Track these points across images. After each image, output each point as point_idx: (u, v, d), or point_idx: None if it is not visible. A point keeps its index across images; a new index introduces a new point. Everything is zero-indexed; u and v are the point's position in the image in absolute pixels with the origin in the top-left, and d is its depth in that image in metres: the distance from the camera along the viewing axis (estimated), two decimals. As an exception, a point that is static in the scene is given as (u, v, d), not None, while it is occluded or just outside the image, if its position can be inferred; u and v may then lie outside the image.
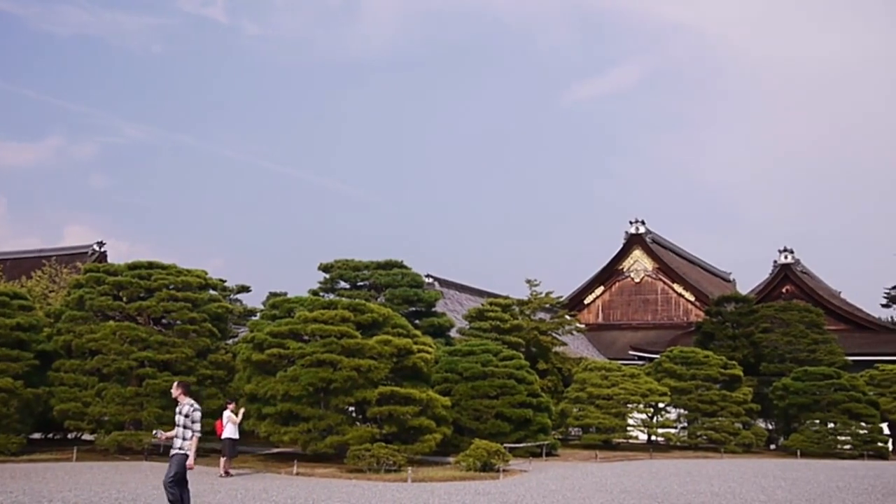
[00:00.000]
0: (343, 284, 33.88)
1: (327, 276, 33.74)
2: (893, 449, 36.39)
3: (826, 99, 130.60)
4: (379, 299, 31.81)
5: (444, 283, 43.55)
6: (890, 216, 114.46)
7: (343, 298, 26.71)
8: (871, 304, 70.79)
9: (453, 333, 34.21)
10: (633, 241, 56.53)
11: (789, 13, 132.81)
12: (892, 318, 68.14)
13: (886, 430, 35.73)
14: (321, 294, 31.77)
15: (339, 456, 21.84)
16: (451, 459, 23.27)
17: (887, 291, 69.96)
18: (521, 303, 37.81)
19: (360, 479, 19.39)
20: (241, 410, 20.80)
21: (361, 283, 33.74)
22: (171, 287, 24.87)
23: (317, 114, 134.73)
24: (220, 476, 18.88)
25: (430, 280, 40.86)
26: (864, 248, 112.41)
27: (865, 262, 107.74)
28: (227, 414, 19.93)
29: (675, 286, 55.07)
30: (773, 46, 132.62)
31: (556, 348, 38.10)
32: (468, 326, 34.78)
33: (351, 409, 23.55)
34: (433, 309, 33.57)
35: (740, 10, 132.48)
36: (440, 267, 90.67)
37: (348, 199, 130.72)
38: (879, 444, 33.93)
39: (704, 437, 33.83)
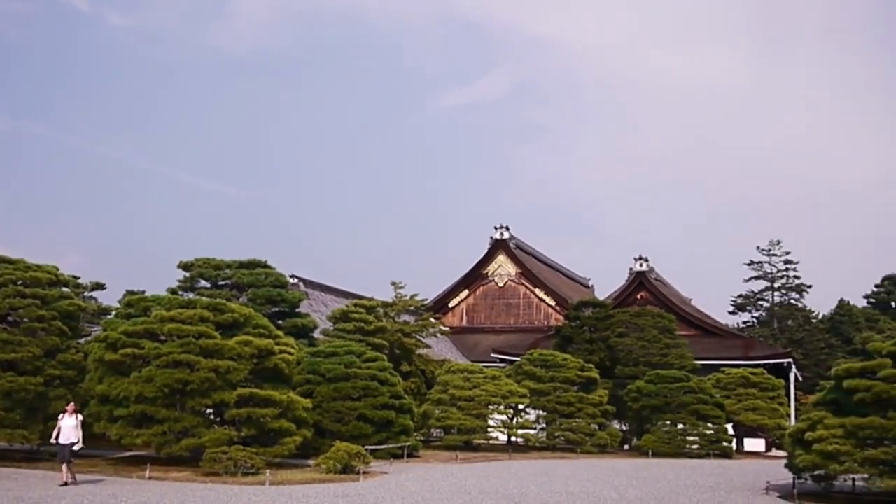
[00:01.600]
0: (204, 283, 33.01)
1: (187, 274, 32.79)
2: (737, 448, 38.31)
3: (681, 114, 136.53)
4: (241, 299, 31.13)
5: (309, 284, 43.07)
6: (739, 228, 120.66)
7: (203, 298, 26.01)
8: (719, 311, 74.26)
9: (317, 335, 33.84)
10: (497, 247, 57.39)
11: (650, 32, 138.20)
12: (737, 324, 71.94)
13: (731, 431, 37.53)
14: (180, 293, 30.77)
15: (195, 459, 21.21)
16: (312, 462, 23.01)
17: (734, 300, 73.86)
18: (385, 305, 37.76)
19: (217, 482, 18.91)
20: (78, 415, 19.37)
21: (223, 283, 32.97)
22: (19, 283, 23.62)
23: (182, 108, 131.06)
24: (62, 485, 17.62)
25: (295, 280, 40.30)
26: (715, 257, 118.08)
27: (715, 271, 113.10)
28: (65, 416, 18.83)
29: (537, 291, 56.23)
30: (634, 63, 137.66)
31: (420, 350, 38.25)
32: (332, 328, 34.49)
33: (208, 411, 22.93)
34: (297, 310, 33.13)
35: (605, 27, 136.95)
36: (305, 267, 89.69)
37: (212, 196, 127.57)
38: (724, 443, 35.64)
39: (562, 438, 34.65)
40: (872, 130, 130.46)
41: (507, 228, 57.29)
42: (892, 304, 79.82)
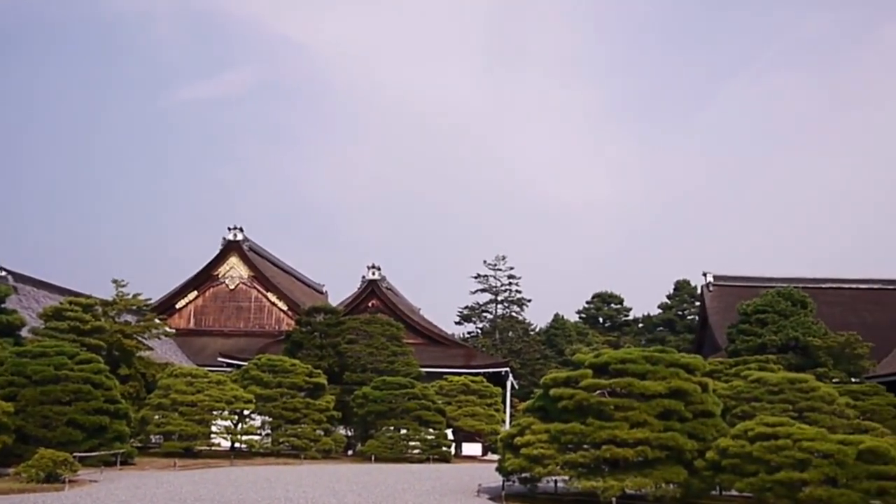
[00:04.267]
0: None
1: None
2: (456, 452, 39.87)
3: (419, 126, 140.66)
4: (-63, 292, 28.26)
5: (20, 278, 39.77)
6: (469, 243, 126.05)
7: None
8: (446, 321, 77.13)
9: (25, 333, 31.37)
10: (230, 248, 56.09)
11: (395, 46, 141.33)
12: (463, 334, 75.03)
13: (451, 436, 39.00)
14: None
15: None
16: (11, 471, 21.27)
17: (460, 311, 76.98)
18: (105, 303, 35.59)
19: None
20: None
21: (-85, 273, 29.81)
22: None
23: None
24: None
25: (3, 273, 37.16)
26: (445, 270, 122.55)
27: (445, 282, 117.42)
28: None
29: (270, 295, 55.56)
30: (378, 74, 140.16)
31: (142, 353, 36.46)
32: (43, 326, 32.09)
33: None
34: (3, 305, 30.54)
35: (352, 35, 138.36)
36: (16, 260, 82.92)
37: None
38: (444, 448, 36.96)
39: (287, 444, 34.39)
40: (590, 155, 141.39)
41: (242, 230, 56.20)
42: (601, 319, 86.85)
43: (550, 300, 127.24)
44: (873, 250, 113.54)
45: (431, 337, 51.79)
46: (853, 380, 34.51)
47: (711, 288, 50.80)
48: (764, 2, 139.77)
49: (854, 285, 49.80)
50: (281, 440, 34.45)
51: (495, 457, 31.63)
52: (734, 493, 19.47)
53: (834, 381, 32.63)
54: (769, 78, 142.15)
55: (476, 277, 75.05)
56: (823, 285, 48.80)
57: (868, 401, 27.01)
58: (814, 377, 25.32)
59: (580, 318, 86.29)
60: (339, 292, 63.80)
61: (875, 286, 49.74)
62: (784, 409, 22.32)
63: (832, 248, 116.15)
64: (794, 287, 40.87)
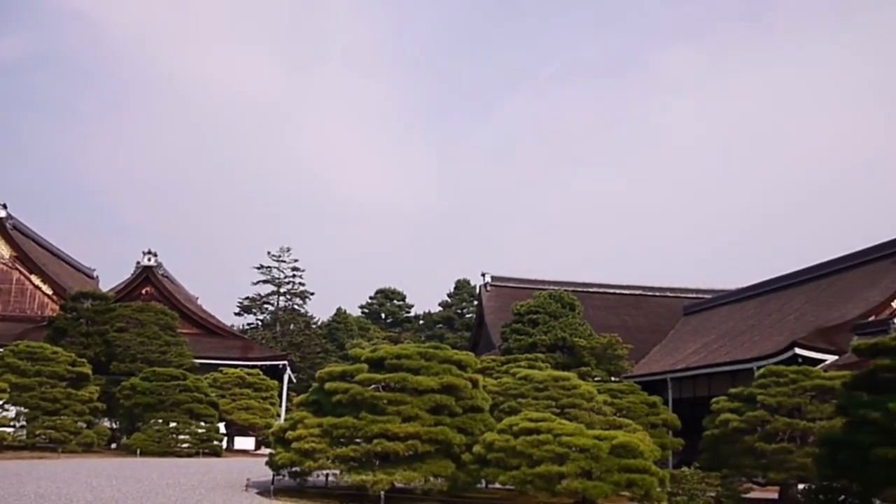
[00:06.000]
0: None
1: None
2: (228, 446, 38.97)
3: (216, 115, 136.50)
4: None
5: None
6: (255, 233, 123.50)
7: None
8: (226, 312, 75.38)
9: None
10: (-10, 226, 52.03)
11: (200, 30, 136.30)
12: (242, 325, 73.59)
13: (223, 429, 38.06)
14: None
15: None
16: None
17: (241, 301, 75.42)
18: None
19: None
20: None
21: None
22: None
23: None
24: None
25: None
26: (228, 260, 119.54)
27: (227, 272, 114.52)
28: None
29: (33, 277, 51.94)
30: (180, 57, 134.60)
31: None
32: None
33: None
34: None
35: (153, 17, 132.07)
36: None
37: None
38: (215, 442, 36.00)
39: (44, 437, 32.33)
40: (383, 153, 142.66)
41: (5, 206, 52.13)
42: (383, 314, 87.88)
43: (334, 294, 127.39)
44: (637, 257, 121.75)
45: (208, 327, 50.44)
46: (613, 378, 36.72)
47: (489, 288, 52.52)
48: (551, 21, 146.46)
49: (618, 290, 53.13)
50: (37, 432, 32.30)
51: (268, 451, 31.28)
52: (498, 485, 20.17)
53: (596, 379, 34.61)
54: (551, 90, 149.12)
55: (259, 268, 73.98)
56: (591, 289, 51.72)
57: (624, 399, 28.69)
58: (577, 375, 26.64)
59: (363, 313, 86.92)
60: (112, 278, 60.64)
61: (636, 292, 53.30)
62: (548, 406, 23.31)
63: (600, 253, 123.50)
64: (565, 290, 42.96)
